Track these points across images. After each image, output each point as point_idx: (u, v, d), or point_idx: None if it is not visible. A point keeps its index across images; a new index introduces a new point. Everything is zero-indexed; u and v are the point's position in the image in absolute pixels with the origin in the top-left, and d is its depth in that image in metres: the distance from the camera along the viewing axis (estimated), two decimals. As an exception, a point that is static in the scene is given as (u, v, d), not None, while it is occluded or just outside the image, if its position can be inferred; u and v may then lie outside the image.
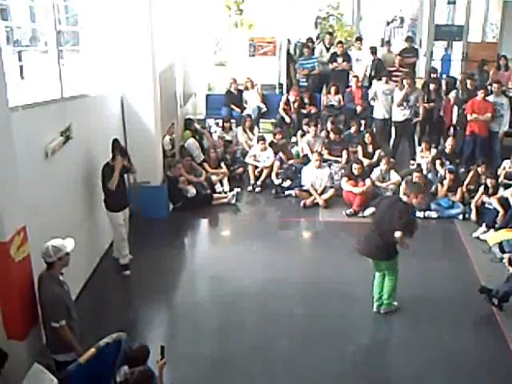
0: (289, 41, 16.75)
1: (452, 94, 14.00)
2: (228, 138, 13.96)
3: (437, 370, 7.06)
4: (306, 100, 14.61)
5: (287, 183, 12.43)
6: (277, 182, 12.48)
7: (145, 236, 10.54)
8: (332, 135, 13.03)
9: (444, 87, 14.35)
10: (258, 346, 7.53)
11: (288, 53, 16.36)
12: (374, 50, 15.64)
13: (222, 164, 12.86)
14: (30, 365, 5.93)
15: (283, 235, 10.54)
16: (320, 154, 12.38)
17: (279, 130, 13.88)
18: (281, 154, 12.85)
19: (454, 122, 13.92)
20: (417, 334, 7.77)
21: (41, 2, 8.00)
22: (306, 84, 15.49)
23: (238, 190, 12.32)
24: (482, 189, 11.05)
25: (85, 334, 6.34)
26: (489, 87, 13.51)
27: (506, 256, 8.90)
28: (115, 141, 9.10)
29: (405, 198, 8.03)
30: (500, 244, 9.11)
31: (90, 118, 9.02)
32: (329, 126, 13.37)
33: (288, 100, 14.64)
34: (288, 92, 15.13)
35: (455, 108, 13.85)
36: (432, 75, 14.89)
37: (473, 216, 10.94)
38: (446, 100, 13.99)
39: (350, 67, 15.48)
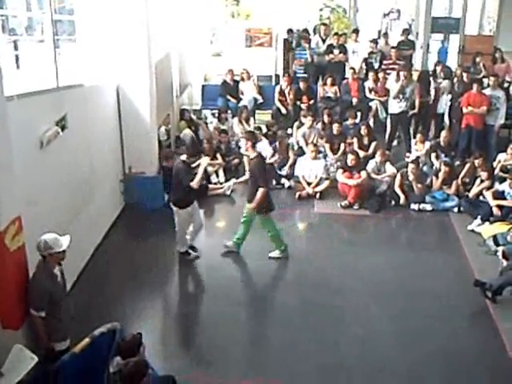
0: (291, 30, 16.73)
1: (443, 84, 14.01)
2: (224, 128, 13.94)
3: (430, 362, 7.08)
4: (303, 89, 14.56)
5: (284, 171, 12.44)
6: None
7: (140, 227, 10.55)
8: (335, 129, 13.00)
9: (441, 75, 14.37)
10: (253, 337, 7.56)
11: (288, 42, 16.34)
12: (375, 42, 15.68)
13: (218, 155, 12.84)
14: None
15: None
16: (315, 146, 12.37)
17: (274, 122, 13.90)
18: (277, 144, 12.83)
19: (441, 111, 13.99)
20: (410, 326, 7.78)
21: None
22: (303, 75, 15.46)
23: (234, 180, 12.30)
24: (478, 181, 11.07)
25: (79, 325, 6.35)
26: (485, 80, 13.51)
27: (500, 249, 8.95)
28: (195, 142, 9.73)
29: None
30: (494, 237, 9.14)
31: (85, 108, 9.00)
32: (326, 119, 13.36)
33: (283, 91, 14.62)
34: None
35: (444, 97, 13.89)
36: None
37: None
38: (435, 88, 13.97)
39: (346, 59, 15.50)
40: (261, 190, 8.93)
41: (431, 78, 14.53)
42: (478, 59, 15.71)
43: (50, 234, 5.97)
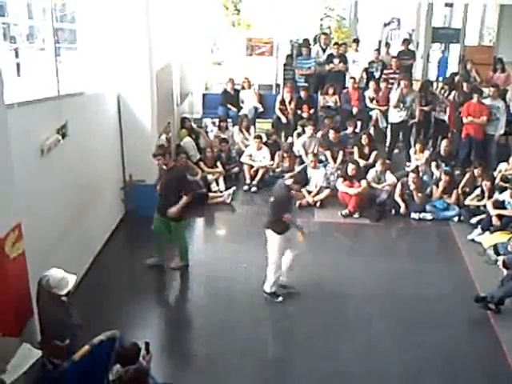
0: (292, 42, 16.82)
1: (451, 96, 14.02)
2: (224, 137, 13.96)
3: (431, 370, 7.07)
4: (304, 98, 14.58)
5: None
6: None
7: (140, 234, 10.51)
8: (332, 135, 13.01)
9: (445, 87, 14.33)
10: (252, 344, 7.53)
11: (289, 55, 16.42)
12: (378, 51, 15.76)
13: (218, 163, 12.85)
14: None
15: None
16: (315, 155, 12.39)
17: (275, 131, 13.94)
18: (281, 153, 12.85)
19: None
20: (411, 335, 7.78)
21: (39, -1, 8.00)
22: (304, 84, 15.47)
23: (234, 189, 12.31)
24: (477, 191, 11.07)
25: (79, 333, 6.34)
26: (485, 90, 13.52)
27: (501, 258, 8.93)
28: None
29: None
30: (495, 246, 9.14)
31: (86, 116, 9.01)
32: (327, 126, 13.38)
33: (284, 100, 14.64)
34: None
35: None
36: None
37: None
38: (449, 102, 13.92)
39: (346, 68, 15.54)
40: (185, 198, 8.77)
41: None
42: (468, 66, 15.77)
43: (55, 273, 5.88)
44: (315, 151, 12.88)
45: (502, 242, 9.20)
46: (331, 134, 13.00)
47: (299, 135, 13.68)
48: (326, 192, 11.94)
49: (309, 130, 13.15)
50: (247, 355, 7.39)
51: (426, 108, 13.88)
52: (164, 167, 8.82)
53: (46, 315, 5.92)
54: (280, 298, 8.46)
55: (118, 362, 5.75)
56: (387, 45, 17.31)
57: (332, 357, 7.28)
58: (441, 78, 15.00)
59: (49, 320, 5.90)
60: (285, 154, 12.78)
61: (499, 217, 10.25)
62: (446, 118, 13.85)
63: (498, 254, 9.08)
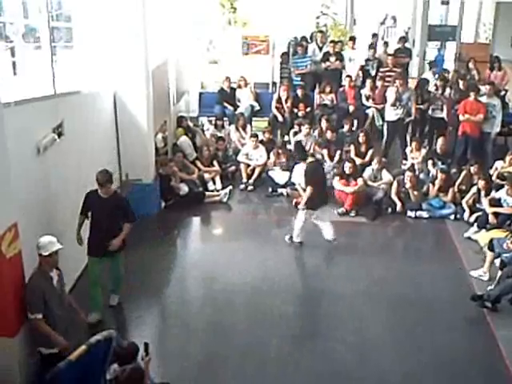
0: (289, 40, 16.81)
1: (446, 93, 14.01)
2: (220, 135, 13.96)
3: (427, 369, 7.07)
4: (300, 96, 14.58)
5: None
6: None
7: (136, 233, 10.46)
8: (329, 134, 13.02)
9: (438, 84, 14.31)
10: (249, 345, 7.52)
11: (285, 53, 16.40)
12: (373, 47, 15.75)
13: (215, 162, 12.85)
14: (20, 362, 5.94)
15: (275, 234, 10.52)
16: (312, 155, 12.37)
17: (271, 129, 13.94)
18: (276, 151, 12.85)
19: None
20: (407, 333, 7.78)
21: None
22: (300, 82, 15.46)
23: (231, 188, 12.31)
24: (474, 189, 11.07)
25: (75, 332, 6.34)
26: (481, 88, 13.53)
27: (490, 255, 8.95)
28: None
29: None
30: (490, 242, 9.12)
31: (82, 115, 9.00)
32: (323, 125, 13.37)
33: (280, 98, 14.63)
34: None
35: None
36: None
37: (466, 216, 10.95)
38: (447, 99, 13.91)
39: (342, 66, 15.54)
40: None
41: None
42: (470, 65, 15.79)
43: (46, 237, 6.08)
44: (311, 149, 12.88)
45: (498, 238, 9.17)
46: (328, 134, 13.00)
47: (295, 134, 13.68)
48: (323, 190, 11.92)
49: (305, 128, 13.16)
50: (244, 354, 7.38)
51: (422, 106, 13.89)
52: (104, 196, 7.61)
53: (27, 283, 6.01)
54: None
55: (116, 361, 5.75)
56: (386, 44, 17.27)
57: (329, 358, 7.26)
58: (436, 76, 14.92)
59: (27, 287, 5.98)
60: (279, 151, 12.76)
61: (495, 215, 10.27)
62: (442, 115, 13.85)
63: (492, 250, 9.07)
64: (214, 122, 14.73)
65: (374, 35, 17.81)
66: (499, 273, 8.62)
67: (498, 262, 8.96)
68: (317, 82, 15.72)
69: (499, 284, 8.32)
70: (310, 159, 9.98)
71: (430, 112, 14.06)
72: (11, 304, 5.81)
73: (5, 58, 8.71)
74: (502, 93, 15.00)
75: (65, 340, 6.01)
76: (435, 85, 14.25)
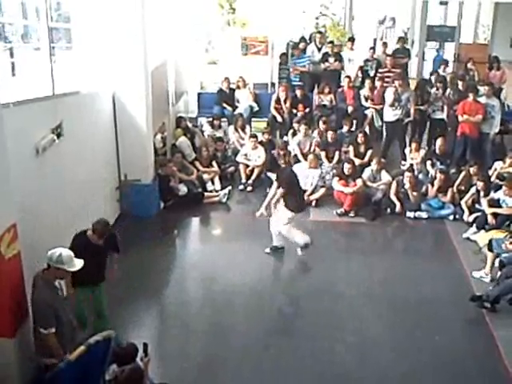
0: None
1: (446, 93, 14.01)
2: (218, 135, 13.97)
3: (426, 368, 7.07)
4: (299, 97, 14.57)
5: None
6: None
7: (135, 234, 10.52)
8: (329, 136, 13.02)
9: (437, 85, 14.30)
10: (248, 345, 7.52)
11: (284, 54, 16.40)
12: (373, 50, 15.78)
13: (214, 163, 12.85)
14: (18, 362, 5.93)
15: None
16: (316, 155, 12.40)
17: (270, 130, 13.93)
18: (277, 152, 12.84)
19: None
20: (405, 333, 7.77)
21: (33, -2, 7.98)
22: (299, 83, 15.45)
23: (230, 188, 12.31)
24: (473, 190, 11.08)
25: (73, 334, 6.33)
26: (480, 88, 13.53)
27: (491, 256, 8.96)
28: None
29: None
30: (489, 242, 9.13)
31: (81, 115, 9.00)
32: (321, 126, 13.37)
33: (279, 99, 14.64)
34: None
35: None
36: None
37: (465, 216, 10.95)
38: (446, 100, 13.91)
39: (341, 67, 15.56)
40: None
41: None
42: (469, 65, 15.81)
43: (67, 251, 5.94)
44: (311, 150, 12.90)
45: (497, 239, 9.18)
46: (329, 135, 13.00)
47: (294, 134, 13.68)
48: (322, 191, 11.95)
49: (302, 129, 13.15)
50: (243, 354, 7.37)
51: (422, 107, 13.89)
52: (97, 243, 6.90)
53: (35, 298, 5.90)
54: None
55: (115, 361, 5.75)
56: (385, 44, 17.27)
57: (329, 358, 7.27)
58: (433, 77, 14.95)
59: (36, 302, 5.88)
60: (280, 152, 12.75)
61: (494, 215, 10.27)
62: (441, 116, 13.86)
63: (491, 250, 9.08)
64: (210, 122, 14.70)
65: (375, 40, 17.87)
66: (499, 273, 8.63)
67: (497, 262, 8.96)
68: (316, 82, 15.74)
69: (498, 284, 8.32)
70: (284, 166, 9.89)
71: (430, 112, 14.06)
72: (10, 304, 5.80)
73: (4, 58, 8.71)
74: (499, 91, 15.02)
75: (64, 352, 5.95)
76: (436, 86, 14.24)
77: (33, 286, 5.97)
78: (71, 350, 5.82)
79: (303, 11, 23.53)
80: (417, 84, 14.87)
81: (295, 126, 13.79)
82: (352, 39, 16.79)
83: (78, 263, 5.93)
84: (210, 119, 14.89)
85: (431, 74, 15.45)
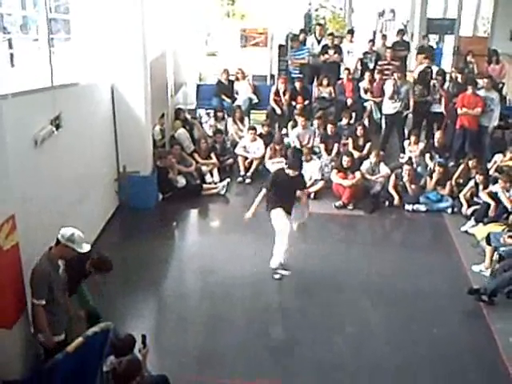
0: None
1: (445, 87, 13.99)
2: (220, 127, 13.97)
3: (423, 361, 7.09)
4: (298, 89, 14.56)
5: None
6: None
7: (133, 226, 10.54)
8: (329, 129, 13.00)
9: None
10: (247, 338, 7.54)
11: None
12: (372, 42, 15.76)
13: (212, 155, 12.85)
14: (17, 353, 5.94)
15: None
16: (310, 148, 12.39)
17: (269, 122, 13.92)
18: (273, 145, 12.81)
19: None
20: (403, 326, 7.80)
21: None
22: (299, 75, 15.42)
23: (228, 180, 12.31)
24: (472, 183, 11.09)
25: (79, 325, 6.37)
26: (479, 81, 13.51)
27: (489, 249, 8.97)
28: None
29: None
30: (487, 236, 9.15)
31: (80, 107, 8.98)
32: (317, 121, 13.30)
33: (278, 91, 14.62)
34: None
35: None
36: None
37: (464, 210, 10.96)
38: (444, 92, 13.90)
39: (341, 59, 15.53)
40: None
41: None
42: (469, 58, 15.79)
43: (78, 232, 6.01)
44: (311, 142, 12.90)
45: (495, 232, 9.20)
46: (329, 128, 12.99)
47: (293, 126, 13.67)
48: (320, 184, 11.95)
49: (302, 121, 13.13)
50: (244, 346, 7.39)
51: (429, 98, 13.81)
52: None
53: (34, 268, 5.94)
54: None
55: (113, 353, 5.77)
56: (384, 36, 17.25)
57: (325, 350, 7.29)
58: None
59: (33, 271, 5.92)
60: (277, 147, 12.72)
61: (496, 206, 10.26)
62: (440, 109, 13.84)
63: (489, 244, 9.09)
64: (213, 114, 14.69)
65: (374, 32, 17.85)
66: (497, 266, 8.65)
67: (495, 256, 8.98)
68: (315, 74, 15.70)
69: (496, 278, 8.34)
70: (279, 168, 9.14)
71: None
72: (8, 296, 5.81)
73: (2, 49, 8.69)
74: (500, 86, 15.00)
75: (53, 339, 5.98)
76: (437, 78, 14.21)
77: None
78: (69, 340, 5.86)
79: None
80: (420, 76, 14.80)
81: (297, 118, 13.74)
82: (351, 31, 16.76)
83: (86, 247, 6.04)
84: (211, 111, 14.87)
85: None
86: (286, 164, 8.90)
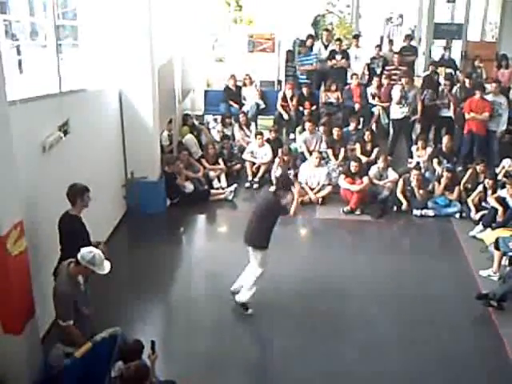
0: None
1: (453, 91, 13.96)
2: (227, 132, 13.98)
3: (432, 366, 7.06)
4: (306, 95, 14.55)
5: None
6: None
7: (142, 232, 10.55)
8: (336, 134, 13.00)
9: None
10: (254, 343, 7.54)
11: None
12: (379, 47, 15.76)
13: (220, 160, 12.86)
14: (26, 358, 5.96)
15: (280, 232, 10.51)
16: (320, 153, 12.38)
17: (276, 128, 13.92)
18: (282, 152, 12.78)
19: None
20: (412, 331, 7.77)
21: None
22: (306, 81, 15.42)
23: (236, 186, 12.31)
24: (480, 187, 11.05)
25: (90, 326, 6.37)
26: (487, 86, 13.48)
27: (498, 254, 8.93)
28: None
29: None
30: (496, 241, 9.11)
31: (88, 113, 9.01)
32: (322, 128, 13.27)
33: (285, 96, 14.62)
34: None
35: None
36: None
37: (472, 215, 10.93)
38: (452, 97, 13.85)
39: (348, 65, 15.52)
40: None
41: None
42: (476, 63, 15.76)
43: (100, 253, 5.99)
44: (317, 148, 12.88)
45: (504, 237, 9.16)
46: (335, 132, 12.98)
47: (301, 132, 13.66)
48: (328, 189, 11.95)
49: (309, 126, 13.12)
50: (249, 352, 7.40)
51: (438, 102, 13.79)
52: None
53: (57, 291, 5.94)
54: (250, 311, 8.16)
55: (121, 358, 5.77)
56: (391, 42, 17.25)
57: (333, 357, 7.26)
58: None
59: (57, 295, 5.93)
60: (285, 158, 12.69)
61: (504, 212, 10.22)
62: (448, 114, 13.81)
63: (497, 248, 9.06)
64: (221, 120, 14.70)
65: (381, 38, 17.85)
66: (506, 271, 8.61)
67: (503, 261, 8.94)
68: (322, 80, 15.70)
69: (504, 282, 8.30)
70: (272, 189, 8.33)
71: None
72: (17, 301, 5.83)
73: (11, 56, 8.73)
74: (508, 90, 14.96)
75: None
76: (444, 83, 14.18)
77: (54, 275, 6.12)
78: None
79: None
80: (426, 80, 14.75)
81: (306, 123, 13.69)
82: (357, 36, 16.76)
83: (107, 267, 6.02)
84: (218, 117, 14.89)
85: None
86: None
